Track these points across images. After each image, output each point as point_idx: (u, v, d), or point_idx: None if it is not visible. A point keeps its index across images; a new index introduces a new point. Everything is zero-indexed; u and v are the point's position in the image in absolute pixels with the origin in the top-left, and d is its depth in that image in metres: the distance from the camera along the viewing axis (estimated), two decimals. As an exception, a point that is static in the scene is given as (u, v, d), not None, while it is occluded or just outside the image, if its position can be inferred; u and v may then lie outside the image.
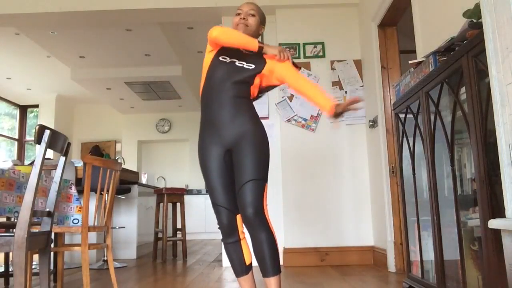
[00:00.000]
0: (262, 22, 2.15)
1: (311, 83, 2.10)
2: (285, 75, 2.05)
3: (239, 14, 2.11)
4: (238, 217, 1.96)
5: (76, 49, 6.08)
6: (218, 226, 1.99)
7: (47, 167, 3.01)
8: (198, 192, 8.81)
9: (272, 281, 1.88)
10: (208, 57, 2.09)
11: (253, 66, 2.02)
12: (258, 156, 1.92)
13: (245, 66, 2.02)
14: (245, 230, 1.99)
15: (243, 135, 1.93)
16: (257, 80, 2.05)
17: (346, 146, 4.10)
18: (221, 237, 2.02)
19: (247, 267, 1.99)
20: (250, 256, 2.00)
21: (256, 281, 2.10)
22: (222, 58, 2.04)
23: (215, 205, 1.97)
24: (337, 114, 1.92)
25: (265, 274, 1.90)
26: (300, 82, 2.04)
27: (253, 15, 2.10)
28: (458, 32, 1.83)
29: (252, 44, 1.98)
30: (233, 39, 1.99)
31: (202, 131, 2.05)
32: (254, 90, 2.07)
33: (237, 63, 2.02)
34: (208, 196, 8.49)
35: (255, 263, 1.96)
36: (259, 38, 2.14)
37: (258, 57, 2.05)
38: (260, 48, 1.98)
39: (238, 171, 1.92)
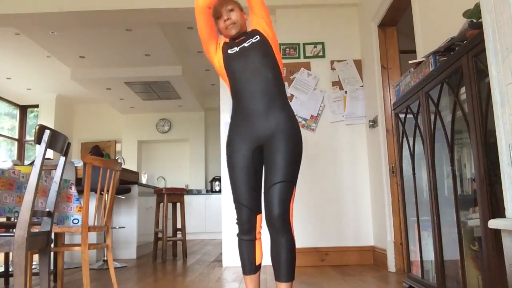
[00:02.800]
0: (241, 9, 2.10)
1: None
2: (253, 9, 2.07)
3: (219, 17, 2.05)
4: (258, 217, 1.95)
5: (76, 49, 6.08)
6: (236, 221, 1.97)
7: (47, 167, 3.01)
8: (198, 192, 8.80)
9: (283, 286, 1.87)
10: (219, 58, 2.06)
11: (257, 36, 2.02)
12: (290, 156, 1.88)
13: (253, 41, 2.01)
14: (262, 231, 1.99)
15: (276, 131, 1.90)
16: (273, 49, 2.01)
17: (346, 146, 4.10)
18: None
19: (256, 267, 1.98)
20: (261, 256, 1.99)
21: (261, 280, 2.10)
22: (231, 51, 2.03)
23: (236, 202, 1.95)
24: None
25: (278, 278, 1.89)
26: None
27: (231, 10, 2.03)
28: (458, 32, 1.83)
29: None
30: None
31: (232, 126, 2.02)
32: (280, 65, 2.03)
33: (245, 45, 2.01)
34: (208, 196, 8.56)
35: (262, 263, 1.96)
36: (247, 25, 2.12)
37: (250, 31, 2.08)
38: None
39: (268, 169, 1.90)
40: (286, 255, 1.86)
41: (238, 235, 1.98)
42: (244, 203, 1.92)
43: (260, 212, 1.96)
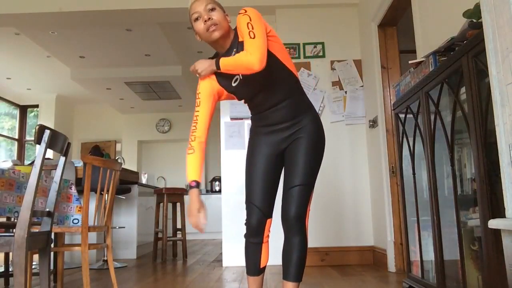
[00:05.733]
0: (223, 10, 1.80)
1: None
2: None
3: (197, 19, 1.76)
4: (268, 221, 1.91)
5: (76, 49, 6.08)
6: (245, 222, 1.93)
7: (47, 167, 3.01)
8: (198, 192, 8.79)
9: (290, 286, 1.86)
10: (225, 96, 1.93)
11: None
12: (311, 160, 1.87)
13: None
14: (270, 234, 1.97)
15: (300, 134, 1.88)
16: (280, 58, 1.80)
17: (346, 146, 4.10)
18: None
19: (260, 269, 1.96)
20: (266, 259, 1.97)
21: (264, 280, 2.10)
22: (234, 83, 1.83)
23: (249, 202, 1.91)
24: None
25: (286, 277, 1.88)
26: None
27: (212, 9, 1.74)
28: (458, 32, 1.83)
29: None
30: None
31: (255, 130, 1.97)
32: (291, 67, 1.86)
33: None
34: (208, 196, 8.54)
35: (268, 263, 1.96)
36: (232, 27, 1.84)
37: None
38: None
39: (288, 171, 1.88)
40: (297, 256, 1.85)
41: (245, 236, 1.95)
42: (257, 205, 1.89)
43: (271, 217, 1.93)
